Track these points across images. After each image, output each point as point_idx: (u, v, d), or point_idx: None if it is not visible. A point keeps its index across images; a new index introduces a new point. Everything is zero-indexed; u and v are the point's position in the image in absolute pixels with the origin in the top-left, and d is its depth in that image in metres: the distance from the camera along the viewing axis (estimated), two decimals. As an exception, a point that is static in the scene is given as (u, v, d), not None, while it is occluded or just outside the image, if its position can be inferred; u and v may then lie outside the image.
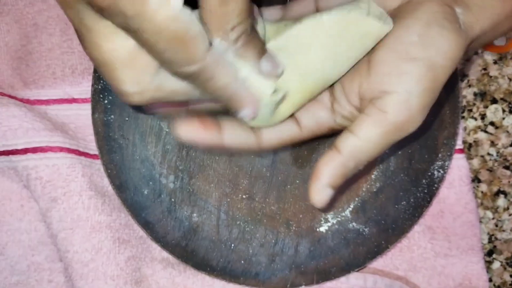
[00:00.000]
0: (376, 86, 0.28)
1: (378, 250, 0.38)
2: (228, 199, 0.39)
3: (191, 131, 0.29)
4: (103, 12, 0.23)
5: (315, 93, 0.30)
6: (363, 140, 0.28)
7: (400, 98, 0.27)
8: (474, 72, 0.42)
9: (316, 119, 0.31)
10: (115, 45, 0.24)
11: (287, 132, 0.31)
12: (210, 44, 0.24)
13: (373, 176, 0.40)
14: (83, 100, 0.40)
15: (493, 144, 0.42)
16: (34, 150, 0.37)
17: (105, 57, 0.25)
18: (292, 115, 0.31)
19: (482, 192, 0.42)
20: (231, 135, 0.30)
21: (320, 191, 0.29)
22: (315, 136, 0.32)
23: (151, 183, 0.38)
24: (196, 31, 0.23)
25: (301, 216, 0.39)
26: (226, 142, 0.30)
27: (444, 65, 0.27)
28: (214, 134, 0.29)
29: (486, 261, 0.41)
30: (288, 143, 0.31)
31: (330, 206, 0.30)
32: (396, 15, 0.29)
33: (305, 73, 0.29)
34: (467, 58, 0.42)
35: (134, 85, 0.26)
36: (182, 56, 0.24)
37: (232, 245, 0.39)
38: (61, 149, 0.38)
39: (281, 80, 0.28)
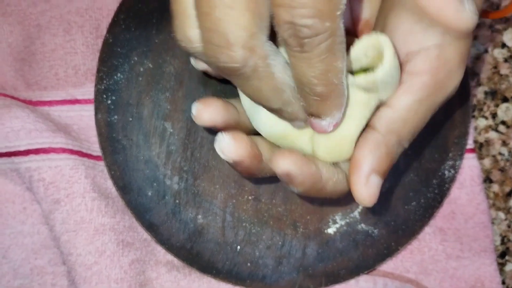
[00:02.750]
0: (400, 49, 0.24)
1: (388, 252, 0.37)
2: (234, 200, 0.38)
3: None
4: None
5: None
6: (400, 110, 0.24)
7: (431, 54, 0.24)
8: (484, 71, 0.41)
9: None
10: None
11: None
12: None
13: (382, 176, 0.39)
14: (86, 101, 0.39)
15: (504, 143, 0.41)
16: (37, 151, 0.37)
17: None
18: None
19: (494, 192, 0.41)
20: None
21: (365, 181, 0.24)
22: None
23: (155, 184, 0.38)
24: None
25: (308, 217, 0.38)
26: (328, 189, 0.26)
27: (468, 8, 0.23)
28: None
29: (499, 263, 0.40)
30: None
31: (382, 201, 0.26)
32: None
33: None
34: (476, 56, 0.41)
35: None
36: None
37: (238, 247, 0.38)
38: (64, 150, 0.37)
39: None
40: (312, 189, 0.26)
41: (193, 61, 0.33)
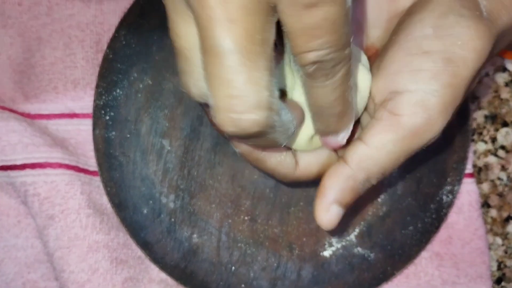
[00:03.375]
0: (386, 87, 0.25)
1: (383, 276, 0.37)
2: (230, 220, 0.38)
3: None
4: None
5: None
6: (374, 148, 0.24)
7: (414, 97, 0.24)
8: (484, 95, 0.41)
9: None
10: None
11: (327, 160, 0.28)
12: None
13: (379, 200, 0.39)
14: (84, 115, 0.39)
15: (503, 168, 0.41)
16: (33, 166, 0.37)
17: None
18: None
19: (491, 217, 0.40)
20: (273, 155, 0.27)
21: (326, 209, 0.25)
22: None
23: (151, 202, 0.37)
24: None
25: (304, 239, 0.38)
26: (269, 164, 0.27)
27: (465, 56, 0.23)
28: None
29: (495, 290, 0.40)
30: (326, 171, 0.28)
31: (337, 230, 0.27)
32: (408, 12, 0.26)
33: None
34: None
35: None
36: None
37: (233, 268, 0.38)
38: (60, 165, 0.37)
39: None
40: (250, 156, 0.27)
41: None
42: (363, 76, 0.26)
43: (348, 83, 0.23)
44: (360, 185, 0.25)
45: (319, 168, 0.28)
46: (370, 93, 0.26)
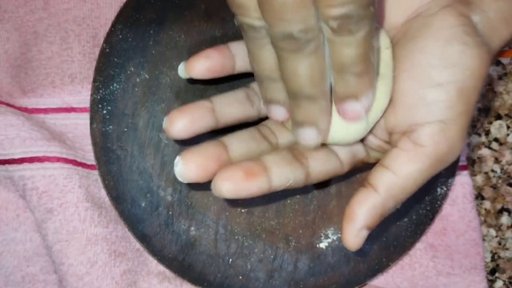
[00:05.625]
0: (406, 120, 0.26)
1: (379, 267, 0.38)
2: (227, 213, 0.38)
3: (235, 186, 0.26)
4: None
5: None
6: (402, 178, 0.26)
7: (435, 128, 0.25)
8: (478, 88, 0.42)
9: (354, 153, 0.29)
10: None
11: (333, 167, 0.29)
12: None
13: (374, 192, 0.39)
14: (82, 110, 0.39)
15: (497, 160, 0.41)
16: (31, 160, 0.37)
17: None
18: (331, 150, 0.29)
19: (485, 209, 0.41)
20: (279, 174, 0.27)
21: (355, 234, 0.26)
22: (352, 170, 0.30)
23: (148, 195, 0.38)
24: None
25: (300, 231, 0.38)
26: (274, 185, 0.27)
27: (473, 85, 0.25)
28: (262, 180, 0.26)
29: (489, 280, 0.40)
30: (332, 177, 0.29)
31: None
32: (406, 32, 0.27)
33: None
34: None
35: None
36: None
37: (230, 260, 0.38)
38: (58, 159, 0.37)
39: None
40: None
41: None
42: (388, 56, 0.27)
43: (371, 42, 0.24)
44: (387, 211, 0.27)
45: (325, 176, 0.29)
46: (388, 123, 0.27)
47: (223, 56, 0.30)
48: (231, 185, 0.26)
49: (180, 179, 0.27)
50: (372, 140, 0.29)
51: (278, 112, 0.27)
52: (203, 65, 0.29)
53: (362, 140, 0.29)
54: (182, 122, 0.28)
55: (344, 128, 0.27)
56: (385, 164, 0.26)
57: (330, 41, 0.23)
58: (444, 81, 0.25)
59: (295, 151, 0.28)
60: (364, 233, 0.26)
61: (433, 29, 0.25)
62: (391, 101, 0.27)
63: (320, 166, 0.28)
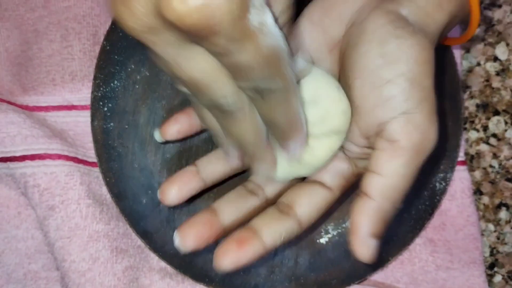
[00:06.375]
0: (373, 121, 0.27)
1: (379, 262, 0.38)
2: (228, 209, 0.38)
3: (232, 258, 0.28)
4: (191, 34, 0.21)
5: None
6: (390, 177, 0.26)
7: (401, 121, 0.26)
8: (476, 84, 0.42)
9: (340, 174, 0.30)
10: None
11: (322, 200, 0.29)
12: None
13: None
14: (83, 107, 0.39)
15: (495, 156, 0.41)
16: (32, 157, 0.37)
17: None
18: (316, 182, 0.30)
19: (484, 204, 0.41)
20: (271, 233, 0.28)
21: (364, 244, 0.26)
22: (346, 190, 0.30)
23: (150, 192, 0.38)
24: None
25: (301, 227, 0.39)
26: (268, 244, 0.28)
27: (422, 71, 0.26)
28: (254, 244, 0.28)
29: (488, 275, 0.41)
30: (326, 209, 0.30)
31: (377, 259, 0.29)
32: (348, 42, 0.28)
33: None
34: (468, 69, 0.42)
35: None
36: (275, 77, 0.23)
37: (231, 255, 0.38)
38: (60, 157, 0.37)
39: None
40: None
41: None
42: (343, 96, 0.28)
43: (290, 100, 0.24)
44: (388, 213, 0.27)
45: (318, 213, 0.30)
46: (361, 129, 0.28)
47: (189, 118, 0.33)
48: (229, 259, 0.28)
49: (181, 251, 0.29)
50: (354, 149, 0.29)
51: (231, 160, 0.29)
52: (173, 128, 0.33)
53: (345, 155, 0.30)
54: (173, 191, 0.31)
55: (294, 164, 0.29)
56: (371, 169, 0.27)
57: (253, 104, 0.25)
58: (393, 76, 0.26)
59: (280, 205, 0.30)
60: (373, 242, 0.27)
61: (368, 33, 0.26)
62: (357, 108, 0.27)
63: (308, 208, 0.29)
